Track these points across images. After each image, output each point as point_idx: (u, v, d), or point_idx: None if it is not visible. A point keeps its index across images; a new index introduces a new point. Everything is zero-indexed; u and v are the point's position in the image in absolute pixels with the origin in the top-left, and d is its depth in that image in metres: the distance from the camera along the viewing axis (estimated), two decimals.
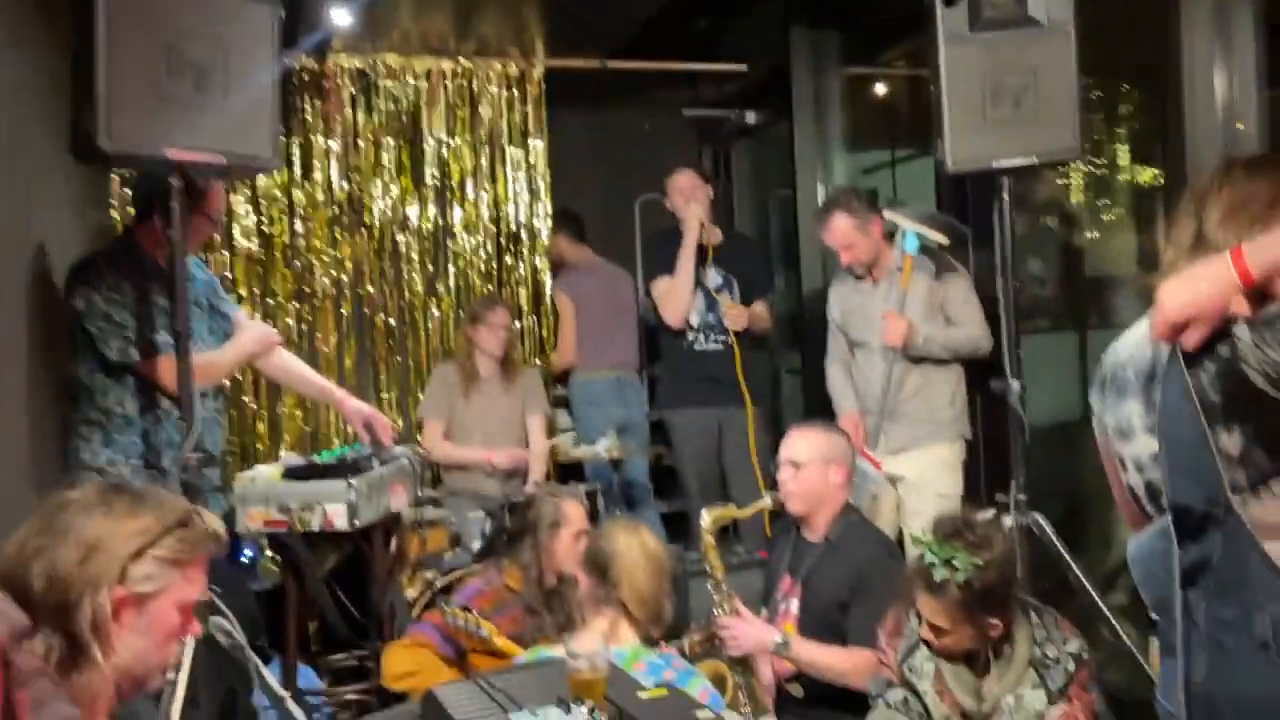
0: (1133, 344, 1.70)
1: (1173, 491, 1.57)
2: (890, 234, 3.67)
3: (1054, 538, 3.24)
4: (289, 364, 3.26)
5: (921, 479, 3.54)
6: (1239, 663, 1.52)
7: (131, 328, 2.65)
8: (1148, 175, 4.43)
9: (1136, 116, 4.50)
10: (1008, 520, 3.26)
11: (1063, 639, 2.32)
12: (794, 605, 2.96)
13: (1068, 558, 3.22)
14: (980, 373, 3.71)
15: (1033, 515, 3.26)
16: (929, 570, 2.24)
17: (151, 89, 2.27)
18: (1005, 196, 3.25)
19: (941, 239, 3.57)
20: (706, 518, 2.95)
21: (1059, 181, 4.51)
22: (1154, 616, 1.91)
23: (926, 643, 2.36)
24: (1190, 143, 3.19)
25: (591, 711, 1.63)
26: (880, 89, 5.47)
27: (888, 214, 3.59)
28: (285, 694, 2.58)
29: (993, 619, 2.26)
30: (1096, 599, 3.20)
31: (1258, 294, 1.64)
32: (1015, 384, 3.29)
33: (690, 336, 4.26)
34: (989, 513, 2.44)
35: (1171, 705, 1.66)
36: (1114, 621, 3.16)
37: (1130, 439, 1.68)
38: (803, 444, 2.99)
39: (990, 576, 2.23)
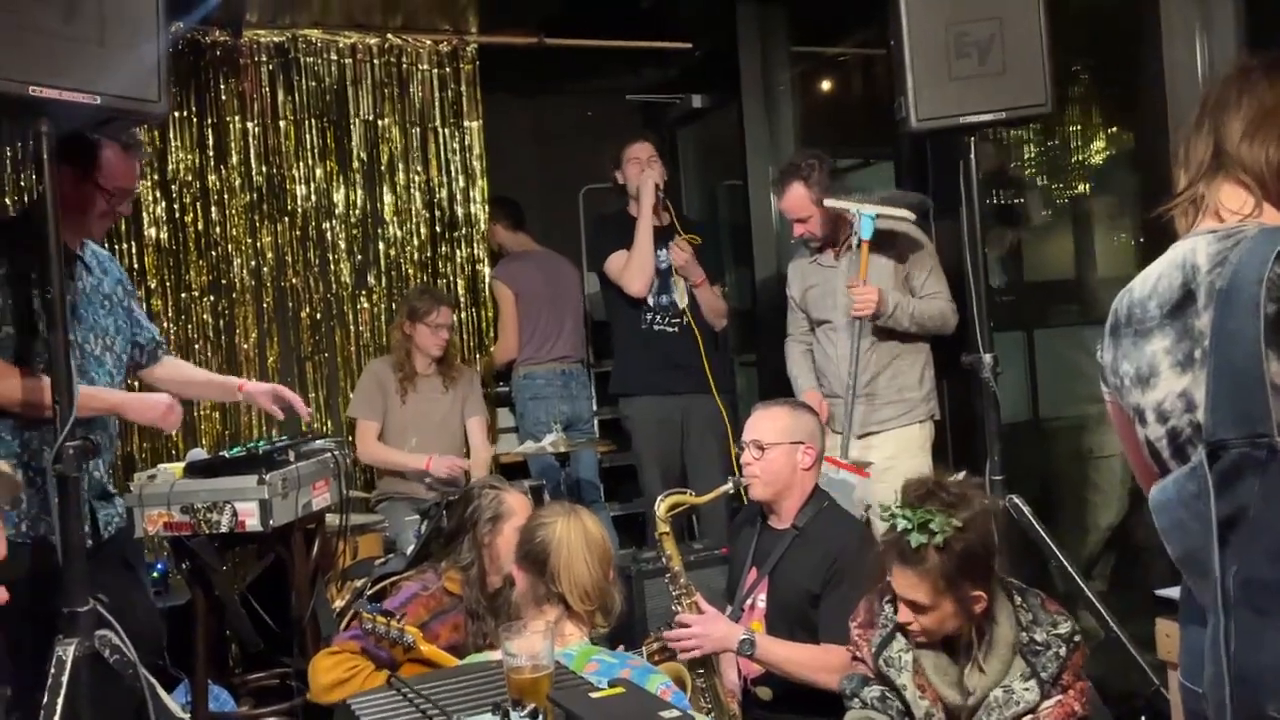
0: (1155, 277, 1.50)
1: (1212, 425, 1.35)
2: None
3: (1033, 519, 3.04)
4: (173, 373, 2.90)
5: (891, 463, 3.32)
6: None
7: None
8: (1100, 158, 4.27)
9: (1089, 98, 4.33)
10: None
11: (1051, 621, 2.12)
12: (761, 600, 2.71)
13: (1048, 540, 3.02)
14: (945, 353, 3.51)
15: (1009, 497, 3.07)
16: (903, 539, 2.03)
17: (12, 17, 1.98)
18: (973, 158, 3.08)
19: (906, 214, 3.34)
20: (661, 505, 2.69)
21: (1006, 166, 4.34)
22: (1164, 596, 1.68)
23: (903, 630, 2.14)
24: (1172, 114, 3.02)
25: (534, 715, 1.35)
26: (833, 73, 5.29)
27: (829, 203, 3.36)
28: (184, 717, 2.25)
29: (976, 590, 2.05)
30: (1081, 583, 3.00)
31: None
32: (988, 357, 3.09)
33: (648, 317, 4.03)
34: (961, 474, 2.23)
35: (1197, 684, 1.44)
36: (1099, 607, 2.97)
37: (1153, 383, 1.47)
38: (768, 424, 2.75)
39: (971, 538, 2.02)
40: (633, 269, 3.97)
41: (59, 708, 2.05)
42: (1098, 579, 3.82)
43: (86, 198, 2.46)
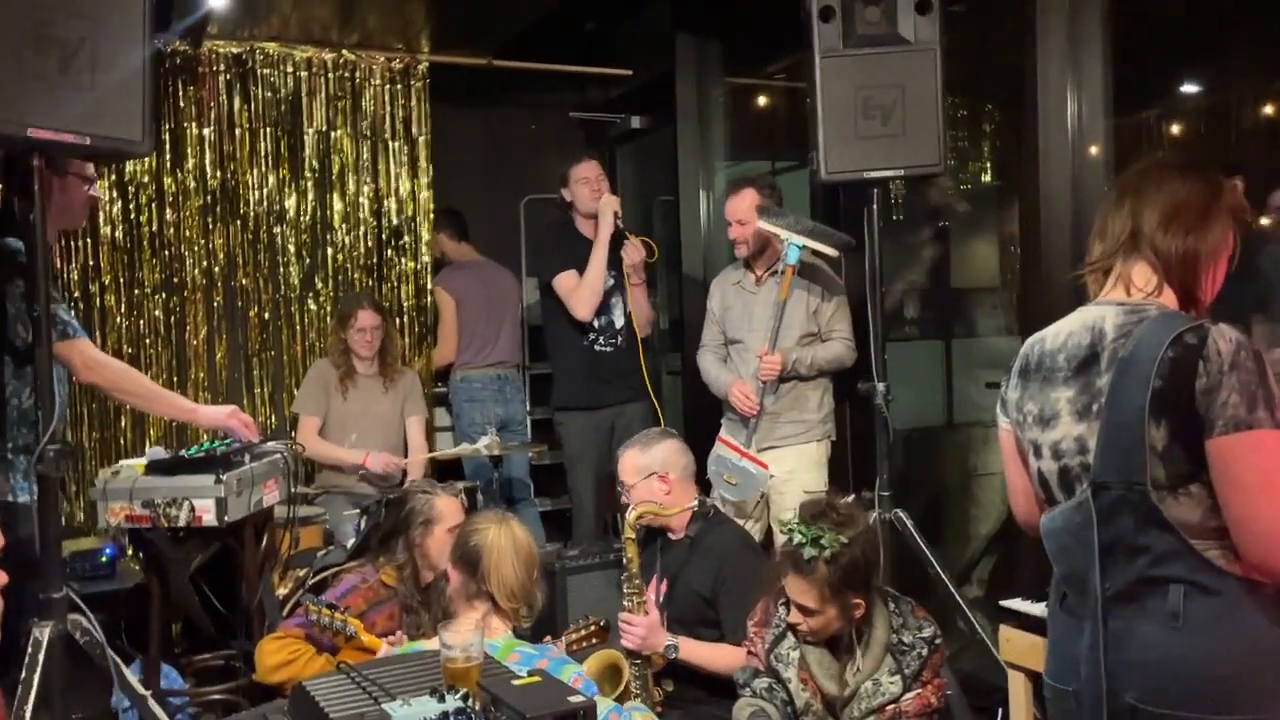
0: (1065, 333, 1.75)
1: (1099, 468, 1.63)
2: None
3: (914, 532, 3.41)
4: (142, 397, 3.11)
5: (791, 475, 3.67)
6: (1146, 631, 1.61)
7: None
8: (1006, 190, 4.73)
9: (999, 135, 4.78)
10: (871, 514, 3.43)
11: (918, 625, 2.44)
12: (662, 601, 3.03)
13: (926, 552, 3.40)
14: (850, 377, 3.87)
15: (895, 511, 3.43)
16: (798, 551, 2.33)
17: (14, 66, 2.19)
18: (874, 207, 3.42)
19: (830, 252, 3.67)
20: (631, 514, 2.94)
21: (927, 195, 4.76)
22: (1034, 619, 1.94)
23: (793, 629, 2.44)
24: (1043, 163, 3.41)
25: (465, 699, 1.65)
26: (762, 100, 5.63)
27: (762, 223, 3.66)
28: (146, 693, 2.51)
29: (857, 598, 2.36)
30: (953, 590, 3.39)
31: (1190, 297, 1.71)
32: (881, 386, 3.45)
33: (590, 337, 4.23)
34: (850, 497, 2.57)
35: (1066, 684, 1.74)
36: (968, 612, 3.35)
37: (1053, 425, 1.73)
38: (624, 466, 3.09)
39: (855, 553, 2.34)
40: (583, 295, 4.12)
41: (35, 683, 2.29)
42: (974, 583, 4.23)
43: (71, 191, 2.69)
